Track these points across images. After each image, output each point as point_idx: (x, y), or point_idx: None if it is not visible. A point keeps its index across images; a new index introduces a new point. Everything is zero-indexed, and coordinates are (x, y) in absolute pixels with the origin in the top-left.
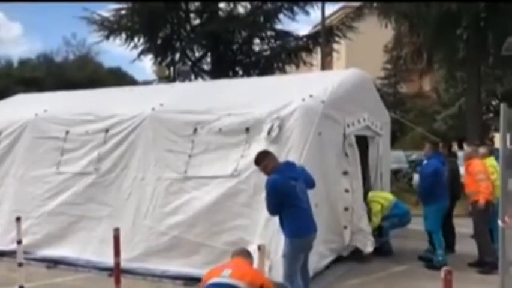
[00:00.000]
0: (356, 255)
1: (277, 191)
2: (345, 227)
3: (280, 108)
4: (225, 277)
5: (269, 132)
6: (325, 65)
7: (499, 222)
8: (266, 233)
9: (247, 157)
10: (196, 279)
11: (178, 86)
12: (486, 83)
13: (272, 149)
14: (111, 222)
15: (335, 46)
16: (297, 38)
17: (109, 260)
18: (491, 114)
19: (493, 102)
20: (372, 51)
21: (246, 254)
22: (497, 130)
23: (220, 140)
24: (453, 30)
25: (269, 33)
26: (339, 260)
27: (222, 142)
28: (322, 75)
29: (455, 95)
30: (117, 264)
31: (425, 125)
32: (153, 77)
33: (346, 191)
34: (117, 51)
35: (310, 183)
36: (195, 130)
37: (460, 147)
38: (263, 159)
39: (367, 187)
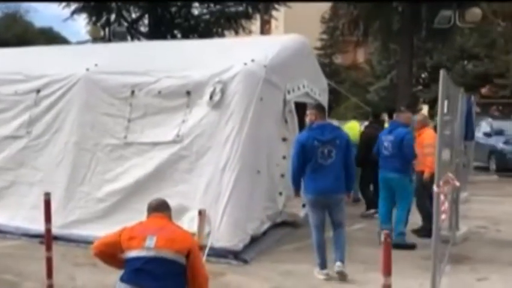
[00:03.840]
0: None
1: (296, 147)
2: (280, 193)
3: (222, 71)
4: (149, 249)
5: (211, 97)
6: (264, 32)
7: (434, 187)
8: (206, 199)
9: (188, 122)
10: None
11: (114, 46)
12: (417, 56)
13: (214, 113)
14: (43, 188)
15: (274, 13)
16: (237, 1)
17: (40, 227)
18: (420, 87)
19: (423, 75)
20: (310, 21)
21: (166, 207)
22: (425, 102)
23: (160, 104)
24: (389, 2)
25: None
26: (275, 225)
27: (162, 106)
28: (263, 40)
29: (387, 67)
30: (48, 230)
31: (358, 96)
32: (87, 38)
33: (284, 157)
34: (50, 11)
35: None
36: (133, 92)
37: (390, 117)
38: (308, 110)
39: None
